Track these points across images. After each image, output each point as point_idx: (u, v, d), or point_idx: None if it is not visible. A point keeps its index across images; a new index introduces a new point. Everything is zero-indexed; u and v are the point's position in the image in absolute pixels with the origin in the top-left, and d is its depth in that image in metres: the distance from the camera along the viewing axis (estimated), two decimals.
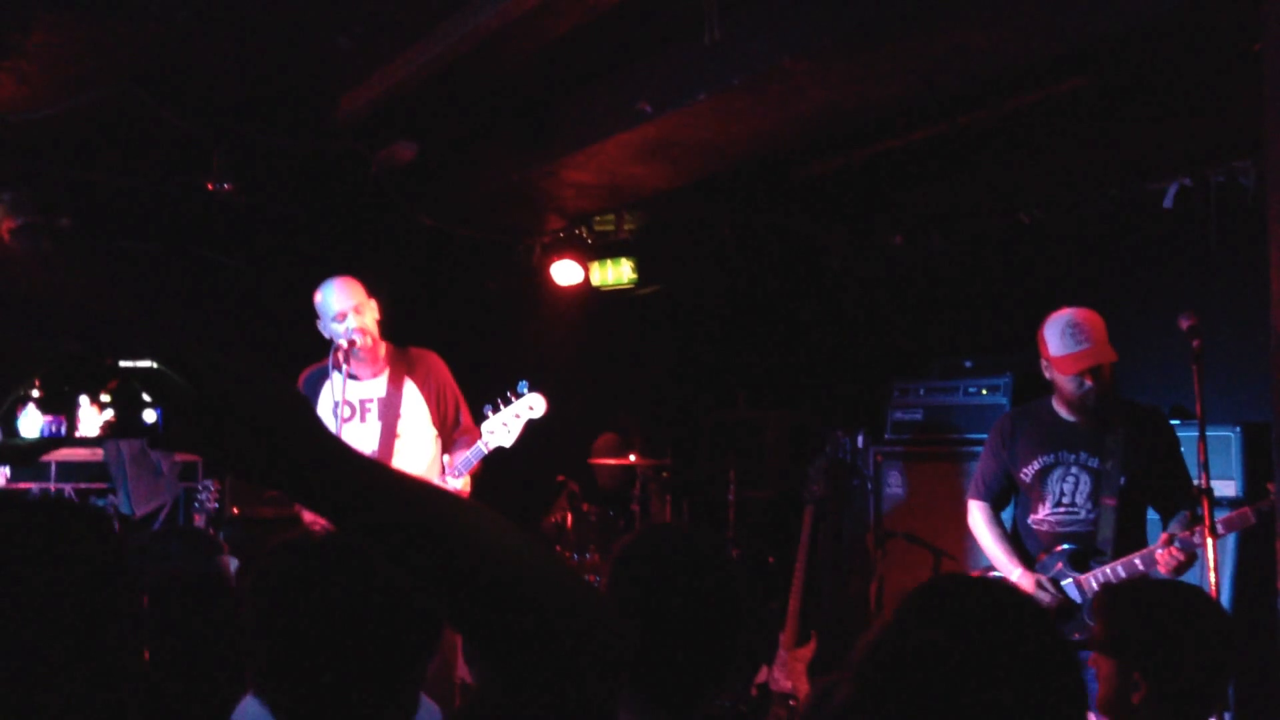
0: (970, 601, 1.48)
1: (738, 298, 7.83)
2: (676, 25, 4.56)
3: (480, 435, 4.39)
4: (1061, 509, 4.00)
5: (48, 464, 5.50)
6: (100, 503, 5.89)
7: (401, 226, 6.80)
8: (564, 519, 6.64)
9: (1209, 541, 3.45)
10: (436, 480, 4.45)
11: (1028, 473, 4.09)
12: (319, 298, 4.45)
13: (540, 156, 5.62)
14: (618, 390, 7.57)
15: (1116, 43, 4.37)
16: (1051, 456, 4.04)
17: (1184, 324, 3.69)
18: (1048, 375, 4.03)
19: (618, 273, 7.11)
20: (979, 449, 5.50)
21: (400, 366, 4.53)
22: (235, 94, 5.44)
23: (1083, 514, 3.95)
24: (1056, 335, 3.95)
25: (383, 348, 4.55)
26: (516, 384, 4.29)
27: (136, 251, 6.72)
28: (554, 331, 7.59)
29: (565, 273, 7.06)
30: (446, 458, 4.52)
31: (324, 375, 4.51)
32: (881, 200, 6.57)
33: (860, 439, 6.20)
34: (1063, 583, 3.92)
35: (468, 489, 4.44)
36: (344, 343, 4.35)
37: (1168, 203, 5.47)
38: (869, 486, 6.11)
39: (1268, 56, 3.12)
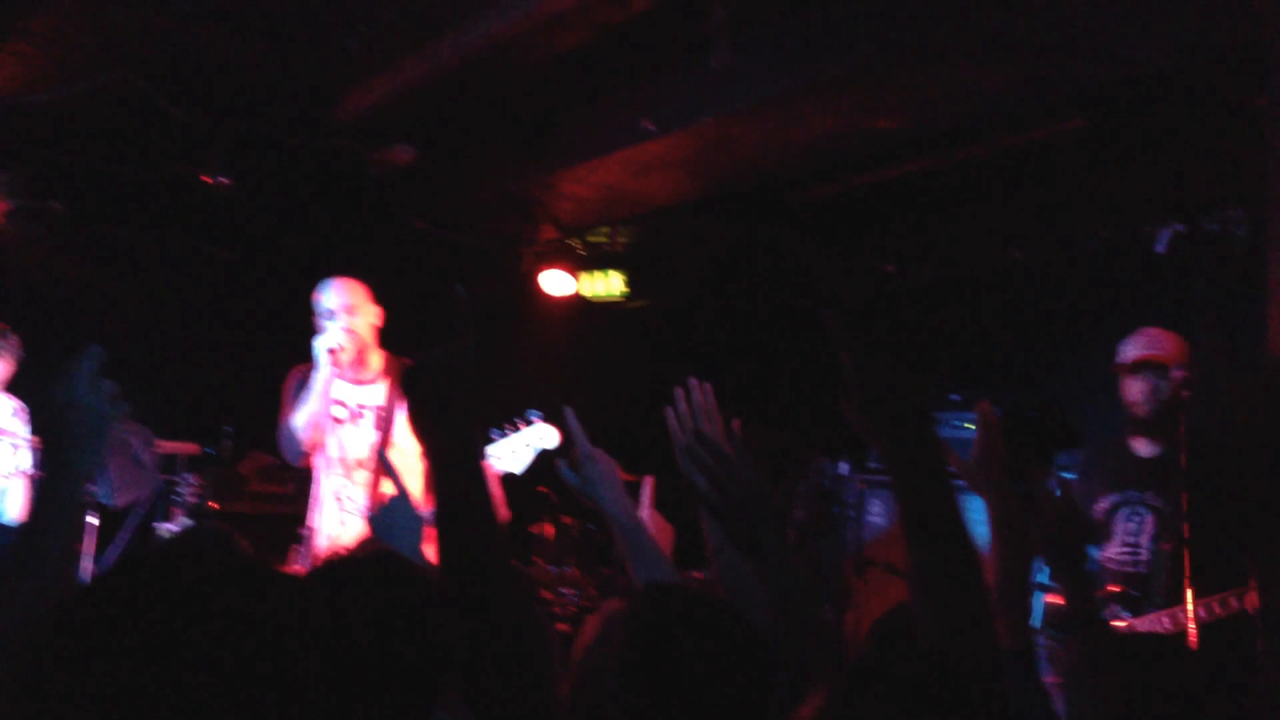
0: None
1: (726, 316, 7.84)
2: (683, 47, 4.58)
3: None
4: (1126, 549, 3.94)
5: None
6: None
7: (394, 228, 6.79)
8: (544, 530, 6.64)
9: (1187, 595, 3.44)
10: (419, 494, 4.43)
11: (1099, 509, 4.03)
12: (315, 293, 4.43)
13: (539, 167, 5.63)
14: (604, 402, 7.56)
15: (1116, 88, 4.41)
16: (1120, 495, 3.99)
17: (1176, 375, 3.70)
18: (1121, 394, 3.99)
19: (608, 285, 7.13)
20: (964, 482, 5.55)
21: (398, 375, 4.51)
22: (237, 88, 5.43)
23: (1144, 554, 3.88)
24: (1125, 343, 3.97)
25: (378, 356, 4.52)
26: (525, 411, 4.26)
27: (128, 238, 6.69)
28: (541, 340, 7.59)
29: (556, 282, 7.07)
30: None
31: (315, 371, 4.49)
32: (875, 228, 6.60)
33: (843, 466, 6.22)
34: (1113, 623, 3.83)
35: None
36: (330, 345, 4.32)
37: (1160, 247, 5.49)
38: (850, 514, 6.12)
39: (1271, 115, 3.16)
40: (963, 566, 1.63)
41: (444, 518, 1.59)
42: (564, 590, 6.64)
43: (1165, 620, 3.68)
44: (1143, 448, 4.00)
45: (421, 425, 1.64)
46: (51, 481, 1.77)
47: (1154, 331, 3.98)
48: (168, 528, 6.01)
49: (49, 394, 1.78)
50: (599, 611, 2.79)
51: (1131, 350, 3.96)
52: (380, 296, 4.58)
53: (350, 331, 4.34)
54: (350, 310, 4.34)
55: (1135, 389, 3.91)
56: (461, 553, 1.57)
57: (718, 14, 4.29)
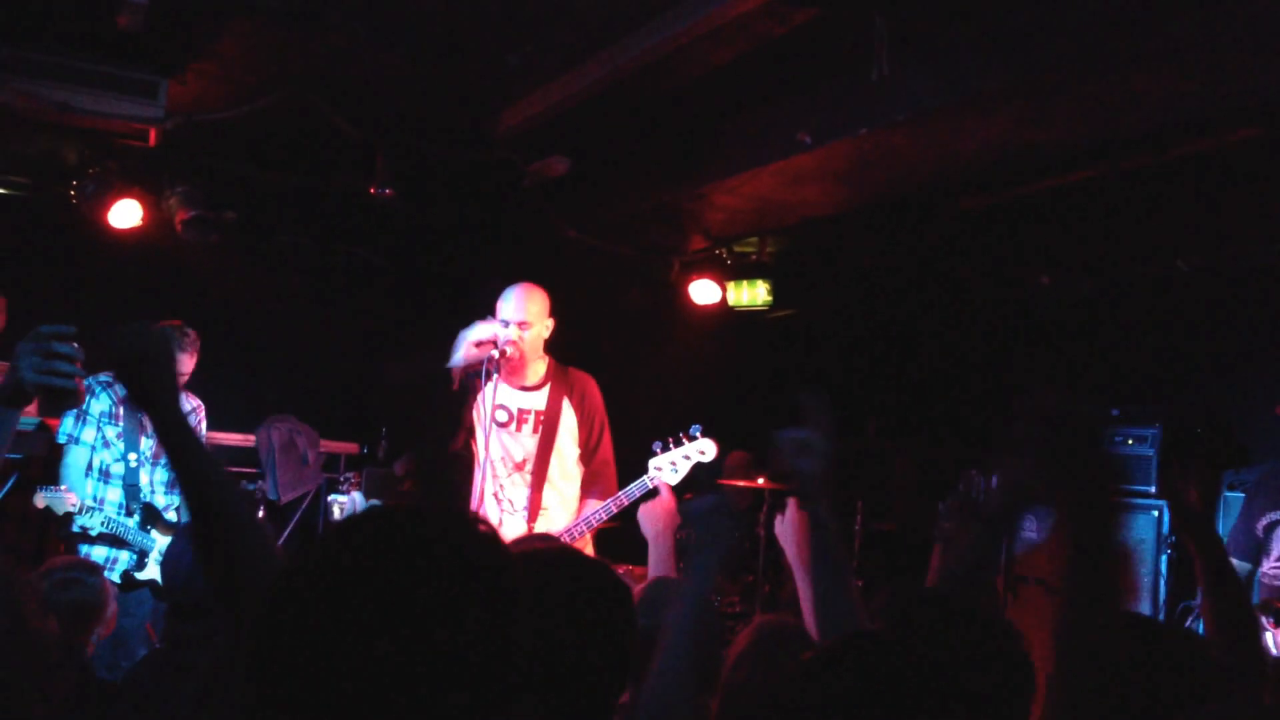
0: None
1: (873, 326, 7.78)
2: (841, 59, 4.58)
3: (607, 472, 4.50)
4: (1278, 565, 3.97)
5: None
6: (250, 487, 6.16)
7: (547, 238, 6.94)
8: (689, 536, 6.69)
9: None
10: (576, 498, 4.58)
11: (1261, 525, 4.08)
12: (500, 298, 4.60)
13: (693, 179, 5.68)
14: (749, 410, 7.59)
15: None
16: (1277, 514, 4.04)
17: None
18: None
19: (753, 294, 7.15)
20: (1122, 499, 5.43)
21: (561, 384, 4.66)
22: (403, 104, 5.64)
23: None
24: None
25: (543, 363, 4.67)
26: (689, 428, 4.35)
27: (297, 246, 7.00)
28: (688, 348, 7.65)
29: (703, 292, 7.12)
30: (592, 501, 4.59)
31: (479, 374, 4.64)
32: (1030, 238, 6.46)
33: (995, 479, 6.11)
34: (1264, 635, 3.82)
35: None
36: (496, 352, 4.48)
37: None
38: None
39: None
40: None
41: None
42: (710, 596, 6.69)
43: None
44: None
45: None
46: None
47: None
48: (341, 501, 6.24)
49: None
50: (750, 623, 2.82)
51: None
52: None
53: (515, 343, 4.49)
54: (524, 325, 4.50)
55: None
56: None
57: (878, 25, 4.28)
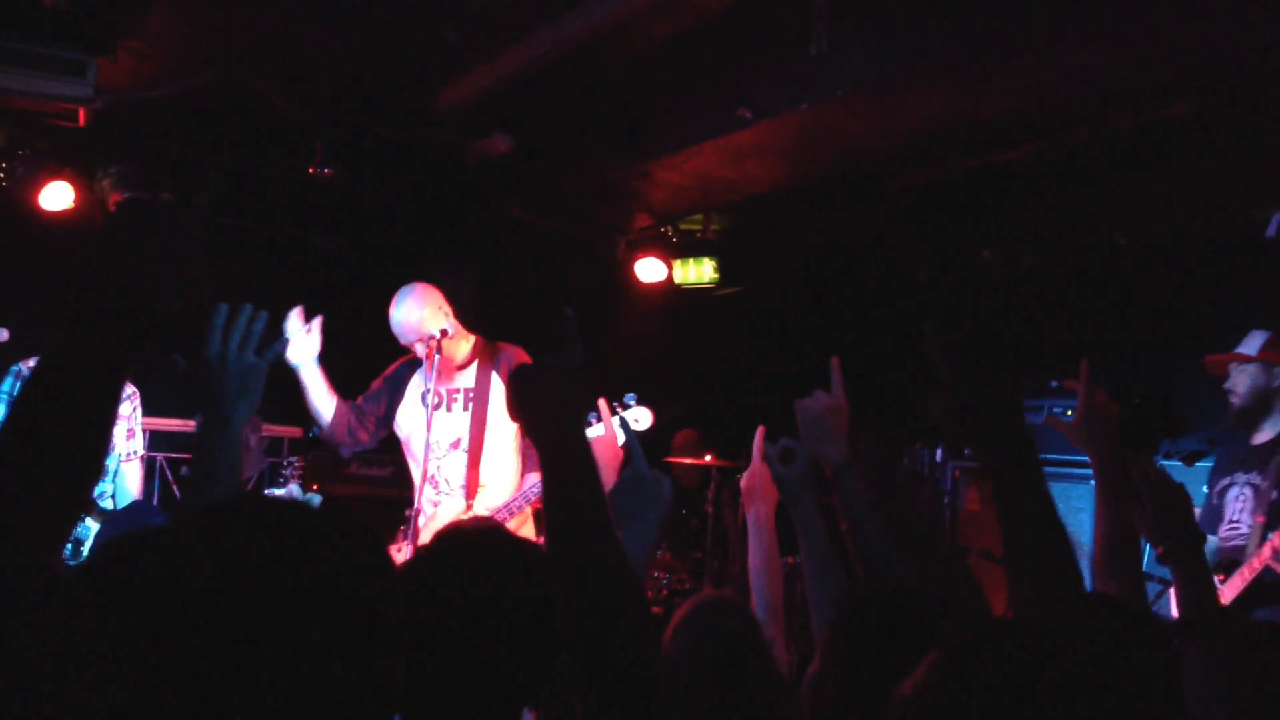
0: None
1: (819, 303, 7.81)
2: (781, 34, 4.57)
3: None
4: (1231, 525, 4.10)
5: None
6: (187, 472, 6.06)
7: (492, 217, 6.89)
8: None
9: None
10: (516, 472, 4.56)
11: (1214, 494, 4.23)
12: (394, 331, 4.58)
13: (636, 156, 5.66)
14: (696, 388, 7.60)
15: (1226, 70, 4.30)
16: (1229, 478, 4.19)
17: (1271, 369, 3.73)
18: None
19: (699, 272, 7.14)
20: (1064, 470, 5.50)
21: (488, 358, 4.64)
22: (341, 82, 5.55)
23: (1243, 528, 4.04)
24: None
25: (469, 342, 4.65)
26: (623, 396, 4.35)
27: (234, 228, 6.89)
28: (635, 327, 7.64)
29: (649, 270, 7.11)
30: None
31: (414, 365, 4.63)
32: (973, 214, 6.52)
33: (939, 453, 6.18)
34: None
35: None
36: (434, 344, 4.47)
37: (1270, 231, 5.37)
38: (945, 501, 6.08)
39: None
40: (1059, 556, 1.74)
41: (552, 499, 1.67)
42: (655, 574, 6.70)
43: (1245, 571, 3.84)
44: (1259, 436, 4.17)
45: (531, 419, 1.73)
46: (209, 434, 1.85)
47: (1254, 334, 4.23)
48: (278, 493, 6.18)
49: (201, 353, 1.86)
50: (693, 599, 2.83)
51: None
52: (479, 284, 4.69)
53: (430, 347, 4.47)
54: (425, 341, 4.48)
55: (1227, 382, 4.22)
56: (567, 531, 1.64)
57: (817, 1, 4.28)
